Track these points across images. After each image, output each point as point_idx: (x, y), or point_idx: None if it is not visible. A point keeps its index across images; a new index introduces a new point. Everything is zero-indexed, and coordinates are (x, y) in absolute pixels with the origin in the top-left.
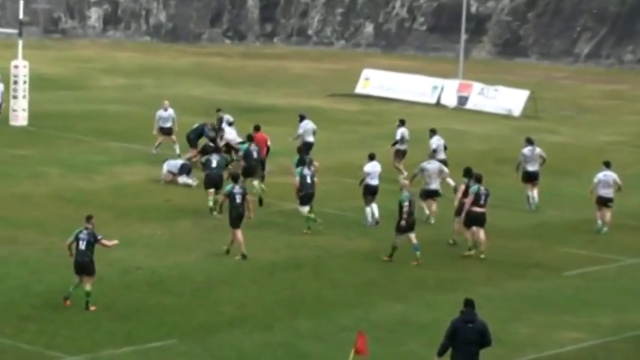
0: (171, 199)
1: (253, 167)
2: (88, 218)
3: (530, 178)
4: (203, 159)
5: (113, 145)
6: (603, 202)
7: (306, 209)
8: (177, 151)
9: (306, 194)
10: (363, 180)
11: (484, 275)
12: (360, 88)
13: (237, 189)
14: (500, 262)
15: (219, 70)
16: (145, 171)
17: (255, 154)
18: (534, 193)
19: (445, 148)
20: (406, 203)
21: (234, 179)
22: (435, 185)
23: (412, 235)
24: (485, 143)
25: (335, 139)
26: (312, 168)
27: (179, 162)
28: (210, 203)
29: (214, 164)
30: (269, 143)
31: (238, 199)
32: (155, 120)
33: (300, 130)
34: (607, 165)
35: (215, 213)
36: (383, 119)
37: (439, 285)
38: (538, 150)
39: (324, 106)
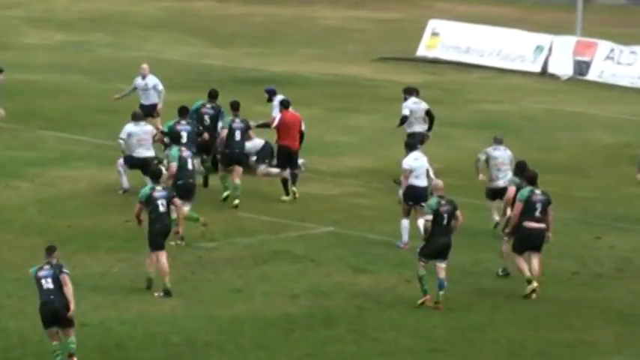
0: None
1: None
2: (49, 251)
3: None
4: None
5: (46, 136)
6: None
7: (186, 208)
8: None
9: (184, 184)
10: (398, 181)
11: (613, 335)
12: (424, 50)
13: (158, 191)
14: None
15: (208, 20)
16: (94, 175)
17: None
18: None
19: (431, 118)
20: (428, 217)
21: (155, 177)
22: (505, 182)
23: (441, 266)
24: (615, 134)
25: (383, 126)
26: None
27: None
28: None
29: (184, 138)
30: (303, 127)
31: (162, 207)
32: (130, 88)
33: (279, 116)
34: None
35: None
36: (459, 96)
37: (544, 352)
38: None
39: (370, 77)
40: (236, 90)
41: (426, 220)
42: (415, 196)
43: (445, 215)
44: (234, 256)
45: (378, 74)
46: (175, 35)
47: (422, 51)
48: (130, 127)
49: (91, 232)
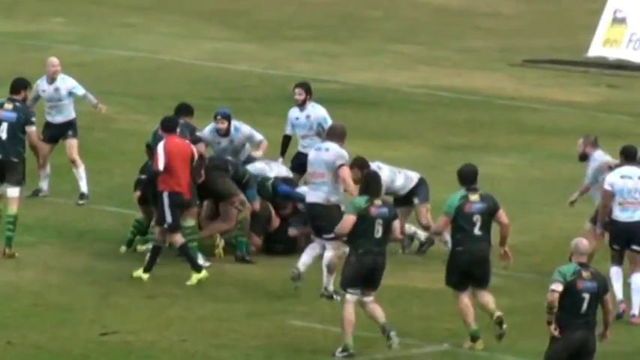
0: (115, 331)
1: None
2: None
3: None
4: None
5: None
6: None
7: None
8: (83, 185)
9: None
10: (604, 211)
11: None
12: (601, 47)
13: None
14: None
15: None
16: (51, 255)
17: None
18: None
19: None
20: (555, 287)
21: None
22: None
23: None
24: None
25: (533, 176)
26: None
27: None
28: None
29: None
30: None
31: None
32: (30, 99)
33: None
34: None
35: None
36: None
37: None
38: None
39: (510, 92)
40: (285, 113)
41: (551, 291)
42: (619, 236)
43: (586, 296)
44: None
45: (523, 88)
46: (185, 23)
47: (596, 49)
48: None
49: (46, 353)
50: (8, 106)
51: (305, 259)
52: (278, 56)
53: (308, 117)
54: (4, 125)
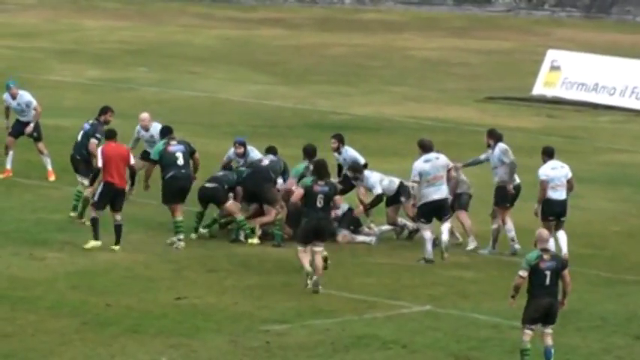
0: (185, 296)
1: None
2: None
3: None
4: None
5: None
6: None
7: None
8: None
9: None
10: (543, 194)
11: None
12: (542, 87)
13: None
14: None
15: (276, 52)
16: (138, 242)
17: None
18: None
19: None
20: (522, 273)
21: None
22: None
23: (547, 331)
24: None
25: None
26: None
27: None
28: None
29: (180, 160)
30: (132, 161)
31: None
32: (132, 139)
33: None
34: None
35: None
36: (585, 145)
37: None
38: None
39: (475, 121)
40: (310, 137)
41: (518, 276)
42: (553, 211)
43: (547, 273)
44: (309, 341)
45: (485, 118)
46: (236, 71)
47: (539, 89)
48: (420, 165)
49: (135, 312)
50: (87, 123)
51: (429, 248)
52: (304, 95)
53: (345, 159)
54: (81, 133)
